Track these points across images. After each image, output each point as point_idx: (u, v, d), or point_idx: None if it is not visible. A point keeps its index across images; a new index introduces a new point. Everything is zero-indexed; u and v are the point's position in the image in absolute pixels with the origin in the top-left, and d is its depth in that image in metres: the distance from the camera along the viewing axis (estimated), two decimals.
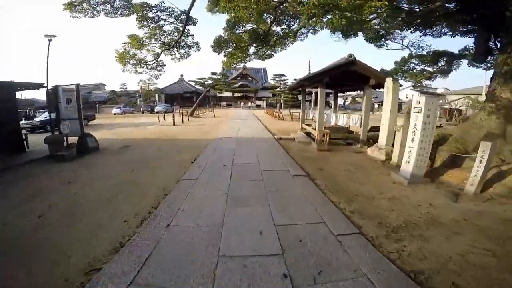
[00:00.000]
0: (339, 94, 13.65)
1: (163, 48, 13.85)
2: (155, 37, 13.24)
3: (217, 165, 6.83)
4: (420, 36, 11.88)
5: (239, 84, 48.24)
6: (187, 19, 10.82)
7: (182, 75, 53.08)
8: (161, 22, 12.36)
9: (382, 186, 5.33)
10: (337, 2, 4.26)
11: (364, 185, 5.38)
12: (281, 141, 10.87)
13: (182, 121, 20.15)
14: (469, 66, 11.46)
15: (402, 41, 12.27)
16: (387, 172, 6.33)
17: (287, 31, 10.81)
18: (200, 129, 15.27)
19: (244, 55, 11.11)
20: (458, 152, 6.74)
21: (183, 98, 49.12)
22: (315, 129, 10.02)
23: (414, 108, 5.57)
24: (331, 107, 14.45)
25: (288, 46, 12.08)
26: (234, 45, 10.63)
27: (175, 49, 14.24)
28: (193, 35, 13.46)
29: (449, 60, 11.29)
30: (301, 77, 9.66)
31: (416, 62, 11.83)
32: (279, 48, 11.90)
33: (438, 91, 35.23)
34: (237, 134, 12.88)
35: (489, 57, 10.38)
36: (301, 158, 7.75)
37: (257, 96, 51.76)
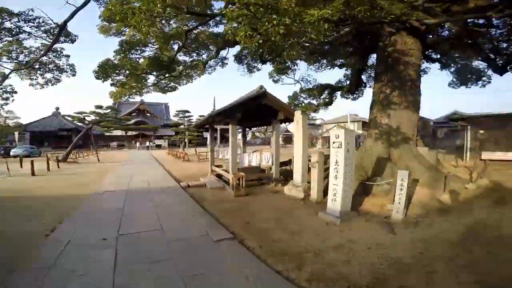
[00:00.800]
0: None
1: (16, 69, 10.06)
2: (9, 54, 9.56)
3: (91, 238, 4.32)
4: (307, 70, 14.07)
5: (134, 121, 42.30)
6: (60, 31, 8.02)
7: (57, 108, 41.87)
8: (23, 35, 9.04)
9: (319, 232, 4.61)
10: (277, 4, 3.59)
11: (301, 235, 4.49)
12: (190, 189, 8.98)
13: (48, 169, 14.31)
14: (341, 98, 13.80)
15: (294, 75, 13.73)
16: (313, 211, 5.82)
17: (196, 61, 9.92)
18: (73, 180, 10.85)
19: (140, 85, 9.15)
20: (363, 179, 7.23)
21: (57, 137, 38.15)
22: (227, 171, 8.97)
23: (334, 143, 5.42)
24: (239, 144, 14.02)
25: (195, 78, 11.16)
26: (127, 72, 8.57)
27: (38, 71, 10.59)
28: (68, 56, 10.38)
29: (331, 92, 13.18)
30: (211, 112, 8.61)
31: (304, 96, 13.29)
32: (184, 81, 10.73)
33: (317, 122, 42.67)
34: (128, 184, 9.79)
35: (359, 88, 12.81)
36: (220, 210, 6.22)
37: (157, 135, 46.48)
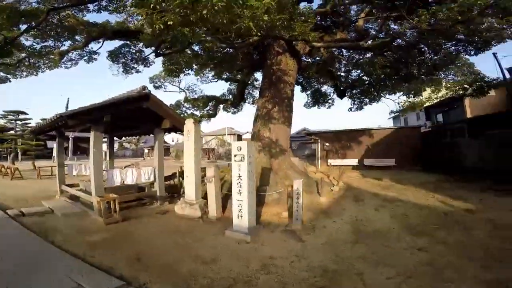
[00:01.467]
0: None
1: None
2: None
3: None
4: (197, 80, 13.04)
5: None
6: None
7: None
8: None
9: (236, 254, 3.85)
10: None
11: (218, 263, 3.57)
12: (27, 218, 5.58)
13: None
14: (223, 111, 13.93)
15: (180, 84, 12.70)
16: (217, 230, 5.03)
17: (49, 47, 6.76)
18: None
19: None
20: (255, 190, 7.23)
21: None
22: (88, 192, 6.48)
23: (236, 156, 4.90)
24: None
25: (43, 71, 7.76)
26: None
27: None
28: None
29: (216, 104, 13.04)
30: (62, 113, 5.73)
31: (188, 106, 12.44)
32: (25, 72, 7.17)
33: None
34: None
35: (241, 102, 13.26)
36: (87, 246, 4.10)
37: None
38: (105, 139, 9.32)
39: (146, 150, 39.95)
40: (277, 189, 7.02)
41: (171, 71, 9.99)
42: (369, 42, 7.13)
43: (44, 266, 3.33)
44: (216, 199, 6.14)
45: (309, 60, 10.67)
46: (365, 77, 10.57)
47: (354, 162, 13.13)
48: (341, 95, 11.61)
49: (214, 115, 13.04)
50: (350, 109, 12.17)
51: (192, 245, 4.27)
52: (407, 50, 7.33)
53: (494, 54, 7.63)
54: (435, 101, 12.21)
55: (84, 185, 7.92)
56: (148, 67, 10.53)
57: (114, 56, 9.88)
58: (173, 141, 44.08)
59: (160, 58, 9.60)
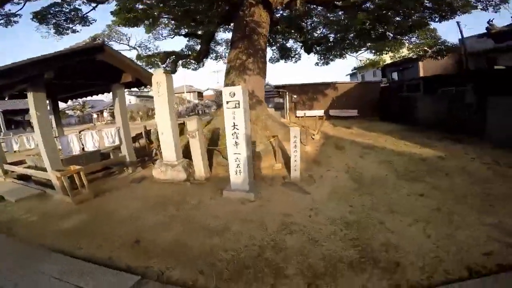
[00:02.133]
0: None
1: None
2: None
3: None
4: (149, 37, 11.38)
5: None
6: None
7: None
8: None
9: (249, 218, 3.53)
10: None
11: (231, 231, 3.22)
12: None
13: None
14: (183, 67, 12.72)
15: (129, 42, 11.08)
16: (212, 192, 4.64)
17: None
18: None
19: None
20: None
21: None
22: (42, 168, 5.23)
23: (228, 102, 4.22)
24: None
25: None
26: None
27: None
28: None
29: (176, 60, 11.74)
30: None
31: (142, 64, 10.90)
32: None
33: (151, 93, 37.61)
34: None
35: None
36: (67, 235, 3.33)
37: None
38: (49, 104, 7.32)
39: (95, 115, 34.52)
40: (259, 140, 6.74)
41: (127, 20, 8.15)
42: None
43: (25, 271, 2.50)
44: (203, 157, 5.53)
45: (281, 13, 10.27)
46: (332, 35, 10.55)
47: (320, 113, 13.56)
48: (308, 51, 11.51)
49: (173, 71, 11.75)
50: (317, 63, 12.33)
51: (191, 214, 3.76)
52: (383, 11, 7.34)
53: (457, 22, 8.07)
54: (393, 60, 12.95)
55: (33, 160, 6.43)
56: (88, 25, 8.93)
57: (41, 17, 8.14)
58: (130, 102, 38.99)
59: (103, 15, 8.18)
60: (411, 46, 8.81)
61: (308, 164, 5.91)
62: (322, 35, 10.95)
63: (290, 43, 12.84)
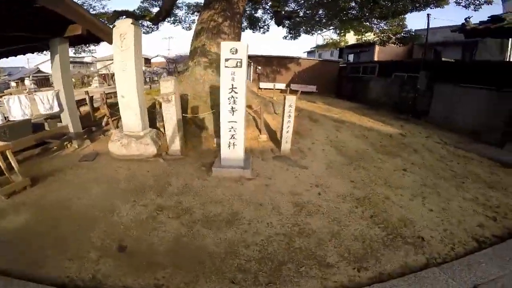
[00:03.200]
0: None
1: None
2: None
3: None
4: None
5: None
6: None
7: None
8: None
9: (255, 201, 3.17)
10: None
11: (242, 221, 2.84)
12: None
13: None
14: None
15: None
16: (196, 170, 4.04)
17: None
18: None
19: None
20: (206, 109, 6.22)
21: None
22: None
23: (228, 60, 3.56)
24: None
25: None
26: None
27: None
28: None
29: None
30: None
31: None
32: None
33: (86, 59, 31.34)
34: None
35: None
36: (9, 246, 2.26)
37: None
38: None
39: (13, 84, 26.11)
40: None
41: None
42: None
43: None
44: (179, 126, 4.70)
45: None
46: (303, 10, 10.23)
47: (283, 86, 13.59)
48: (279, 23, 11.01)
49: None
50: (285, 37, 12.06)
51: (183, 202, 3.07)
52: None
53: (428, 14, 8.68)
54: (355, 42, 13.57)
55: None
56: None
57: None
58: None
59: None
60: (377, 31, 9.14)
61: (292, 136, 5.77)
62: (294, 8, 10.47)
63: (259, 13, 12.14)
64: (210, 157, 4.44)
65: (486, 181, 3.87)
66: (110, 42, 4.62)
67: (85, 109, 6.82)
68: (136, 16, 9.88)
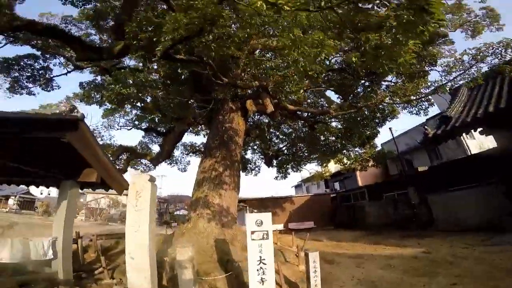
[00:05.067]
0: None
1: None
2: None
3: None
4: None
5: None
6: None
7: None
8: None
9: None
10: None
11: None
12: None
13: None
14: (131, 167, 11.24)
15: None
16: None
17: None
18: None
19: None
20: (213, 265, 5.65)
21: None
22: None
23: (254, 233, 3.90)
24: None
25: None
26: None
27: None
28: None
29: (130, 158, 10.87)
30: None
31: None
32: None
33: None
34: None
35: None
36: None
37: None
38: None
39: None
40: (244, 263, 5.76)
41: (88, 97, 7.85)
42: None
43: None
44: None
45: (251, 123, 10.97)
46: (287, 147, 11.82)
47: (280, 226, 13.45)
48: (269, 163, 12.20)
49: (124, 170, 10.25)
50: (276, 177, 12.87)
51: None
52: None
53: (390, 128, 10.82)
54: (336, 171, 15.54)
55: None
56: (48, 91, 8.28)
57: (5, 65, 7.37)
58: (42, 193, 30.22)
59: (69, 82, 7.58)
60: (353, 156, 10.27)
61: None
62: (280, 146, 11.89)
63: (248, 155, 13.34)
64: None
65: None
66: (120, 193, 4.81)
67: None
68: (138, 154, 10.50)
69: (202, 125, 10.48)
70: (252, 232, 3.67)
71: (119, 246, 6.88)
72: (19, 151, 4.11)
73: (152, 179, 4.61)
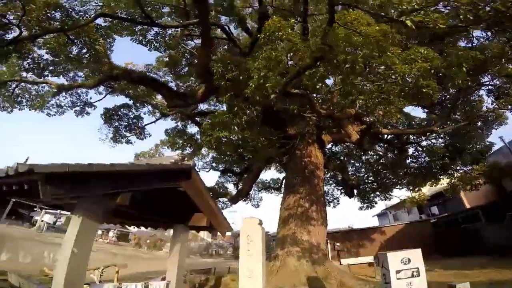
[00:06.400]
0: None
1: None
2: None
3: None
4: None
5: None
6: None
7: None
8: None
9: None
10: None
11: None
12: None
13: None
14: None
15: None
16: None
17: None
18: None
19: None
20: None
21: None
22: None
23: (399, 272, 3.60)
24: None
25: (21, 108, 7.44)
26: None
27: None
28: None
29: (213, 198, 11.38)
30: (31, 165, 2.29)
31: None
32: None
33: None
34: None
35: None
36: None
37: None
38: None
39: (99, 232, 29.19)
40: None
41: (173, 144, 8.52)
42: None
43: None
44: None
45: (328, 154, 10.75)
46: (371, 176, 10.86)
47: (370, 259, 11.99)
48: (350, 194, 11.44)
49: None
50: (361, 208, 11.99)
51: None
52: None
53: (500, 137, 8.88)
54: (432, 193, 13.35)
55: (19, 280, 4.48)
56: (142, 139, 9.11)
57: (109, 115, 8.41)
58: (134, 227, 34.99)
59: (158, 131, 8.71)
60: (459, 175, 8.61)
61: None
62: (361, 175, 11.13)
63: (327, 187, 12.73)
64: None
65: None
66: (223, 234, 5.03)
67: None
68: (219, 194, 10.75)
69: (278, 163, 10.65)
70: (398, 271, 3.50)
71: (208, 283, 7.23)
72: (150, 202, 4.50)
73: (260, 223, 4.59)
